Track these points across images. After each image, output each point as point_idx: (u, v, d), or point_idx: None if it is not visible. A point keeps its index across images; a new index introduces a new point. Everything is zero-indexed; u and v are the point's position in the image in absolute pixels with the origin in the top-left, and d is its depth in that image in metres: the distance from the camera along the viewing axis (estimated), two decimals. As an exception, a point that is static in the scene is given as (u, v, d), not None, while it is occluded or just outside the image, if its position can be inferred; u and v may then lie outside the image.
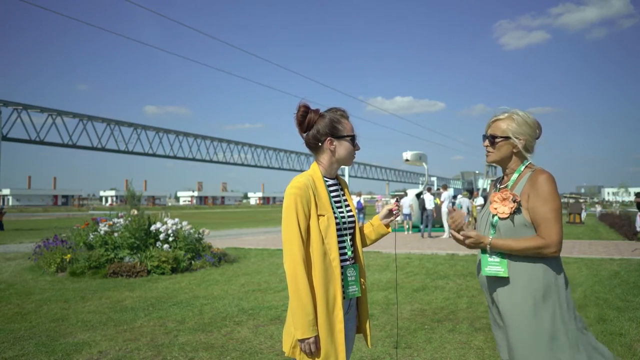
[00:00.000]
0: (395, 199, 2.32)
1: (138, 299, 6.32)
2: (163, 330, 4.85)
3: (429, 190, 17.06)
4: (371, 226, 2.27)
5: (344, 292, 2.01)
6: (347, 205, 2.14)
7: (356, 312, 2.16)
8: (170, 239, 9.02)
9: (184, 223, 9.54)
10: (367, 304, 2.16)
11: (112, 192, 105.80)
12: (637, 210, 15.90)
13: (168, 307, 5.87)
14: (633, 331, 4.57)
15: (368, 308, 2.19)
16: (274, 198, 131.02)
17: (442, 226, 18.78)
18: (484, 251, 2.03)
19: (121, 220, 9.19)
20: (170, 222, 9.22)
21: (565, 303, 1.92)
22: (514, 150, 2.06)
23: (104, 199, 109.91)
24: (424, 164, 24.75)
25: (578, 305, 5.61)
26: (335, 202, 2.08)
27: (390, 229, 2.26)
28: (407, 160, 23.94)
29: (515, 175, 2.06)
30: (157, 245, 8.81)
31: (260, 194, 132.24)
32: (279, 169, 55.18)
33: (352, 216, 2.12)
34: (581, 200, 35.18)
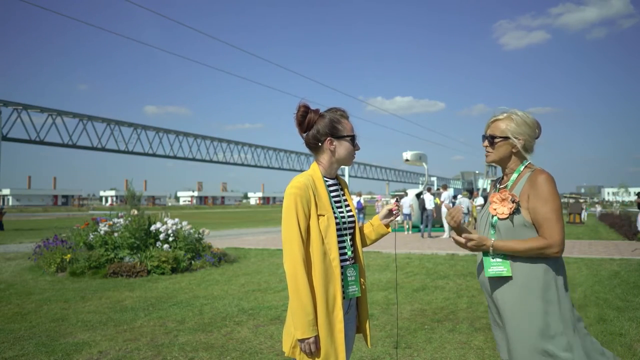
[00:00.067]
0: (395, 199, 2.32)
1: (138, 299, 6.32)
2: (163, 330, 4.85)
3: (429, 190, 17.06)
4: (371, 226, 2.27)
5: (343, 292, 2.01)
6: (347, 205, 2.14)
7: (356, 312, 2.16)
8: (170, 239, 9.02)
9: (184, 223, 9.55)
10: (367, 304, 2.16)
11: (112, 192, 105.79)
12: (638, 210, 15.89)
13: (168, 307, 5.87)
14: (633, 331, 4.57)
15: (368, 308, 2.19)
16: (274, 198, 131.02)
17: (442, 226, 18.79)
18: (486, 253, 2.03)
19: (121, 220, 9.19)
20: (170, 222, 9.22)
21: (565, 303, 1.92)
22: (513, 150, 2.06)
23: (104, 199, 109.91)
24: (424, 164, 24.75)
25: (578, 305, 5.61)
26: (335, 202, 2.08)
27: (390, 229, 2.27)
28: (407, 160, 23.94)
29: (514, 176, 2.06)
30: (157, 245, 8.81)
31: (260, 194, 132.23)
32: (279, 169, 55.19)
33: (352, 216, 2.13)
34: (581, 201, 35.18)
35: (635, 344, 4.20)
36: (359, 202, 20.50)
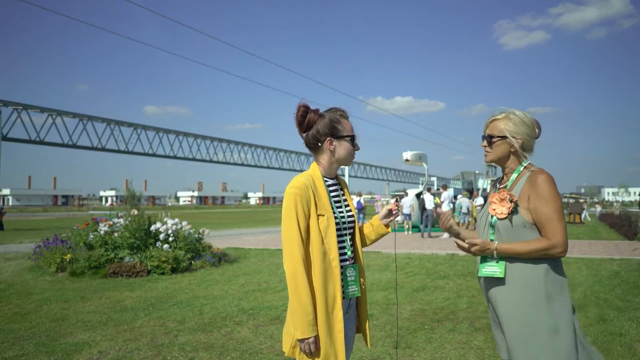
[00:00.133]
0: (394, 199, 2.33)
1: (138, 299, 6.32)
2: (163, 330, 4.85)
3: (429, 190, 17.06)
4: (371, 226, 2.27)
5: (343, 292, 2.02)
6: (347, 205, 2.14)
7: (356, 312, 2.16)
8: (170, 239, 9.02)
9: (184, 223, 9.55)
10: (366, 304, 2.16)
11: (112, 192, 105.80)
12: (639, 209, 15.88)
13: (168, 307, 5.87)
14: (633, 331, 4.57)
15: (367, 308, 2.19)
16: (274, 198, 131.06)
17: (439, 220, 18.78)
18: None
19: (121, 220, 9.19)
20: (170, 222, 9.22)
21: (564, 304, 1.92)
22: (512, 150, 2.06)
23: (104, 199, 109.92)
24: (424, 164, 24.76)
25: (578, 305, 5.61)
26: (335, 202, 2.08)
27: (390, 229, 2.27)
28: (407, 160, 23.94)
29: (514, 175, 2.06)
30: (157, 245, 8.81)
31: (260, 194, 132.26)
32: (279, 169, 55.20)
33: (352, 216, 2.13)
34: (581, 201, 35.18)
35: (635, 344, 4.20)
36: (359, 202, 20.50)
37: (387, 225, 2.26)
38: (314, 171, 2.08)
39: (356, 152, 2.13)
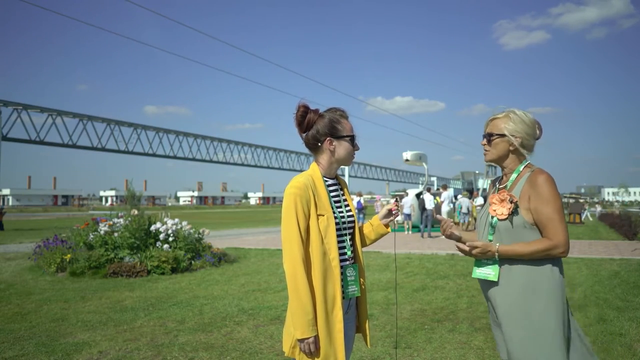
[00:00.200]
0: (394, 199, 2.33)
1: (138, 299, 6.32)
2: (163, 330, 4.85)
3: (429, 190, 17.06)
4: (370, 226, 2.27)
5: (343, 292, 2.02)
6: (347, 205, 2.14)
7: (356, 312, 2.16)
8: (170, 239, 9.02)
9: (184, 223, 9.55)
10: (366, 304, 2.16)
11: (112, 192, 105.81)
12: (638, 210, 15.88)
13: (168, 307, 5.87)
14: (633, 331, 4.57)
15: (367, 308, 2.19)
16: (274, 198, 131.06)
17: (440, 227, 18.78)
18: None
19: (121, 220, 9.19)
20: (170, 222, 9.22)
21: (564, 305, 1.92)
22: (511, 149, 2.05)
23: (104, 199, 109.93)
24: (424, 164, 24.76)
25: (578, 305, 5.61)
26: (335, 202, 2.08)
27: (389, 229, 2.27)
28: (407, 160, 23.95)
29: (514, 175, 2.06)
30: (157, 245, 8.81)
31: (260, 194, 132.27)
32: (279, 169, 55.22)
33: (352, 216, 2.13)
34: (581, 201, 35.18)
35: (635, 344, 4.20)
36: (359, 202, 20.50)
37: (386, 225, 2.26)
38: (314, 171, 2.08)
39: (356, 152, 2.13)
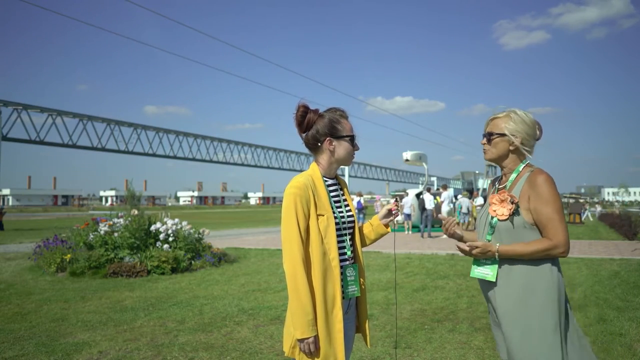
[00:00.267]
0: (394, 199, 2.33)
1: (138, 299, 6.32)
2: (163, 330, 4.85)
3: (429, 190, 17.06)
4: (370, 226, 2.27)
5: (343, 292, 2.02)
6: (347, 205, 2.14)
7: (355, 312, 2.16)
8: (170, 239, 9.02)
9: (184, 223, 9.55)
10: (366, 304, 2.16)
11: (112, 192, 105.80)
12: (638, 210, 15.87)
13: (168, 307, 5.87)
14: (633, 331, 4.57)
15: (367, 308, 2.19)
16: (274, 198, 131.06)
17: (442, 226, 18.78)
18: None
19: (121, 220, 9.19)
20: (170, 222, 9.22)
21: (561, 305, 1.92)
22: (511, 148, 2.05)
23: (104, 199, 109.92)
24: (424, 164, 24.76)
25: (578, 305, 5.61)
26: (335, 202, 2.08)
27: (389, 229, 2.26)
28: (407, 160, 23.95)
29: (513, 175, 2.06)
30: (157, 245, 8.81)
31: (260, 194, 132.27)
32: (279, 169, 55.22)
33: (352, 216, 2.13)
34: (581, 201, 35.17)
35: (635, 344, 4.20)
36: (359, 202, 20.50)
37: (386, 225, 2.26)
38: (314, 171, 2.08)
39: (356, 152, 2.13)
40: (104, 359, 4.01)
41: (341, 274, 2.02)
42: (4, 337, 4.64)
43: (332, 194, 2.09)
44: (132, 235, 8.69)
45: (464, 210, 17.74)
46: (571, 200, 33.58)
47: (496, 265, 1.98)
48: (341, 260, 2.03)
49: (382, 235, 2.27)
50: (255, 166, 52.89)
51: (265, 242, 14.71)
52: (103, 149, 37.22)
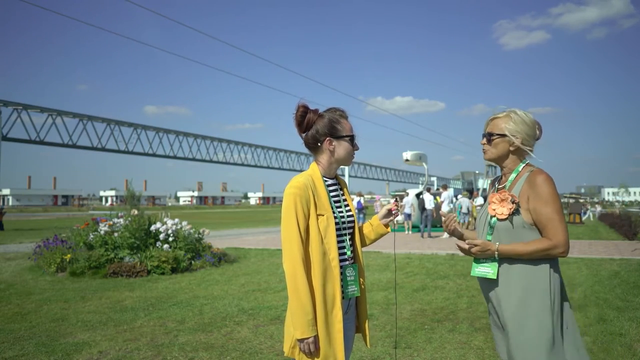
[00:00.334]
0: (394, 199, 2.32)
1: (138, 299, 6.32)
2: (163, 330, 4.85)
3: (429, 190, 17.05)
4: (370, 226, 2.27)
5: (343, 292, 2.01)
6: (347, 205, 2.14)
7: (355, 312, 2.16)
8: (170, 239, 9.02)
9: (184, 223, 9.55)
10: (366, 304, 2.16)
11: (112, 192, 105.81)
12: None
13: (168, 307, 5.87)
14: (633, 331, 4.57)
15: (367, 308, 2.19)
16: (274, 198, 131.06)
17: (442, 226, 18.76)
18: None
19: (121, 220, 9.19)
20: (170, 222, 9.22)
21: (559, 305, 1.92)
22: (511, 149, 2.05)
23: (104, 199, 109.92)
24: (424, 164, 24.76)
25: (578, 305, 5.61)
26: (335, 202, 2.08)
27: (389, 229, 2.26)
28: (407, 160, 23.95)
29: (513, 175, 2.06)
30: (157, 245, 8.81)
31: (260, 194, 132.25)
32: (279, 169, 55.23)
33: (352, 216, 2.13)
34: (581, 201, 35.18)
35: (635, 344, 4.20)
36: (359, 202, 20.49)
37: (386, 225, 2.26)
38: (314, 171, 2.08)
39: (356, 152, 2.13)
40: (104, 359, 4.01)
41: (341, 274, 2.02)
42: (4, 337, 4.64)
43: (332, 194, 2.09)
44: (132, 235, 8.69)
45: (464, 210, 17.73)
46: (571, 200, 33.58)
47: (496, 263, 1.98)
48: (341, 260, 2.03)
49: (382, 235, 2.27)
50: (255, 166, 52.91)
51: (265, 242, 14.71)
52: (103, 149, 37.23)
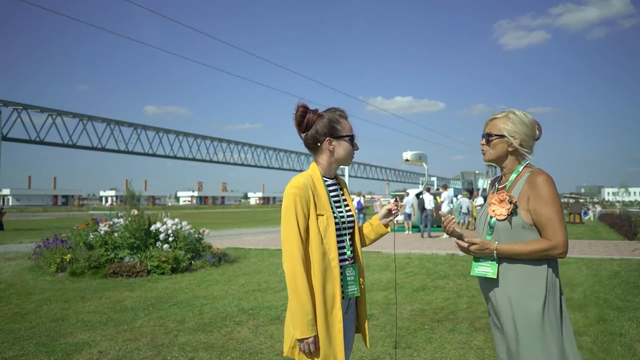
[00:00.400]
0: (394, 199, 2.32)
1: (138, 299, 6.32)
2: (163, 330, 4.85)
3: (429, 190, 17.06)
4: (370, 226, 2.27)
5: (343, 292, 2.02)
6: (347, 205, 2.14)
7: (355, 312, 2.16)
8: (170, 239, 9.02)
9: (184, 223, 9.55)
10: (366, 304, 2.16)
11: (112, 192, 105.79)
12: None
13: (168, 307, 5.87)
14: (633, 331, 4.57)
15: (367, 308, 2.19)
16: (274, 198, 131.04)
17: (441, 223, 18.76)
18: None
19: (121, 220, 9.19)
20: (170, 222, 9.22)
21: (557, 306, 1.92)
22: (510, 149, 2.05)
23: (104, 199, 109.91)
24: (424, 164, 24.76)
25: (578, 305, 5.61)
26: (335, 202, 2.08)
27: (389, 229, 2.26)
28: (407, 160, 23.95)
29: (513, 176, 2.06)
30: (157, 245, 8.81)
31: (260, 194, 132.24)
32: (279, 169, 55.24)
33: (352, 216, 2.13)
34: (581, 201, 35.19)
35: (635, 344, 4.20)
36: (359, 202, 20.50)
37: (386, 225, 2.26)
38: (314, 171, 2.08)
39: (355, 152, 2.13)
40: (104, 359, 4.01)
41: (341, 274, 2.02)
42: (4, 337, 4.64)
43: (331, 194, 2.09)
44: (132, 235, 8.69)
45: (464, 210, 17.74)
46: (571, 200, 33.59)
47: (496, 263, 1.98)
48: (341, 260, 2.03)
49: (381, 235, 2.27)
50: (255, 166, 52.92)
51: (265, 242, 14.71)
52: (103, 149, 37.24)
